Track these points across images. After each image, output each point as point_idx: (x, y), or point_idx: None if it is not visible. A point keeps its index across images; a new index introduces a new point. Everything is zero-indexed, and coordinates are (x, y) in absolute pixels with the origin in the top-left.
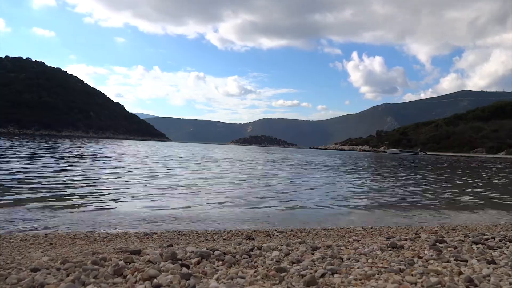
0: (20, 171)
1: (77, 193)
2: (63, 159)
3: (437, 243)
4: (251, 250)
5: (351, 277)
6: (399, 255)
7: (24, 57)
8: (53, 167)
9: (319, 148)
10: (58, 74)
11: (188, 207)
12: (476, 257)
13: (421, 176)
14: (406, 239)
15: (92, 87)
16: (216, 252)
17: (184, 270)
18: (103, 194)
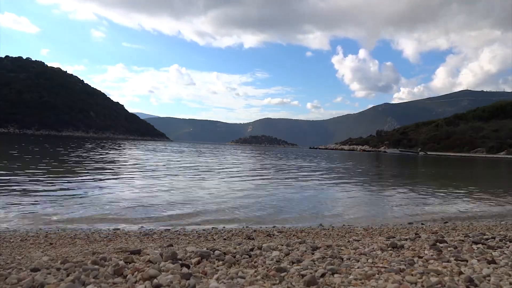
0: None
1: None
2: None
3: (437, 243)
4: (251, 250)
5: (351, 277)
6: (399, 255)
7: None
8: None
9: (319, 148)
10: (58, 74)
11: None
12: (476, 257)
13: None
14: (406, 239)
15: (92, 87)
16: (216, 252)
17: (184, 270)
18: None
